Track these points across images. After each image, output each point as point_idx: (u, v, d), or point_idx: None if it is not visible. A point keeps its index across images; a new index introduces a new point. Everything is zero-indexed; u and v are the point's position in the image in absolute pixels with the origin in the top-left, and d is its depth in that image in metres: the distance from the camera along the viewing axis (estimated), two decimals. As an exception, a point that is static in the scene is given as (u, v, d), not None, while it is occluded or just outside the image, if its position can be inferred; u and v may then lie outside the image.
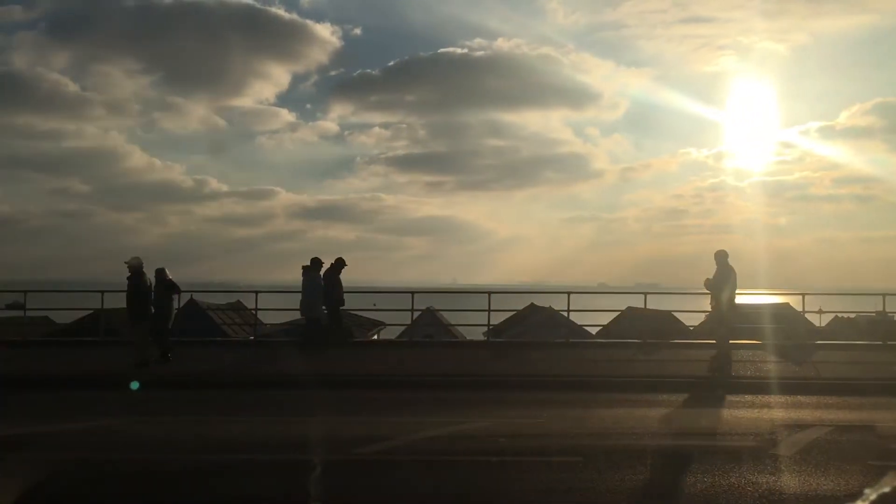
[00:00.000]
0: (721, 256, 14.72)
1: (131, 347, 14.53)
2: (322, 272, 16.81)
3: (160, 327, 14.81)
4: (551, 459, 7.31)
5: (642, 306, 21.51)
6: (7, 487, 6.19)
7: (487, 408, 10.61)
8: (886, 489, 6.19)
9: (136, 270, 14.53)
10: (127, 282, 14.54)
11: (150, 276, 14.74)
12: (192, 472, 7.10)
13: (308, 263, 16.82)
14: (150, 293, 14.62)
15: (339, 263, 17.09)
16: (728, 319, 14.91)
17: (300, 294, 16.77)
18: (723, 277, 14.57)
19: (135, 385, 11.90)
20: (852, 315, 23.98)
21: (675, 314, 23.82)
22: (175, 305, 15.84)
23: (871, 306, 22.36)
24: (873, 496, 6.01)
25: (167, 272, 14.86)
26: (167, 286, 14.83)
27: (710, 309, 15.32)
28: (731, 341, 15.02)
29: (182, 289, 21.67)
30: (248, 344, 19.72)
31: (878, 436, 8.82)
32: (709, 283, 14.71)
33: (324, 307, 16.78)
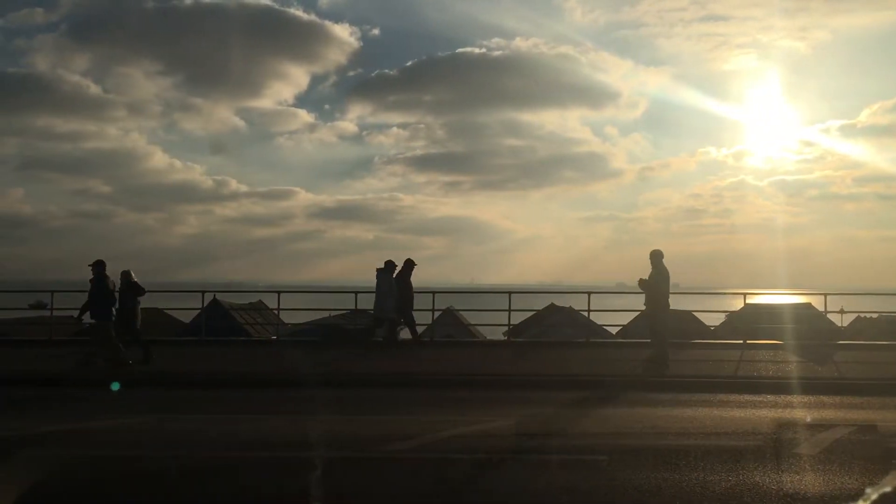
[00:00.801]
0: (656, 257, 14.63)
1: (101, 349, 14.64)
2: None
3: (130, 329, 14.96)
4: (576, 458, 7.37)
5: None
6: (34, 483, 6.38)
7: (511, 407, 10.70)
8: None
9: (98, 272, 14.73)
10: (90, 283, 14.74)
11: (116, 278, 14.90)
12: (222, 469, 7.21)
13: (382, 265, 17.07)
14: (112, 294, 14.79)
15: (410, 265, 17.27)
16: (663, 319, 14.82)
17: (374, 295, 17.11)
18: (658, 278, 14.52)
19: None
20: (875, 315, 23.83)
21: (696, 314, 23.76)
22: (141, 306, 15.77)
23: (894, 306, 22.22)
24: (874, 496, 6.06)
25: (132, 274, 15.06)
26: (132, 288, 14.99)
27: (644, 309, 15.24)
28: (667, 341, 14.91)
29: (205, 289, 22.04)
30: (271, 343, 19.94)
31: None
32: (643, 284, 14.64)
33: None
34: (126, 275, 15.00)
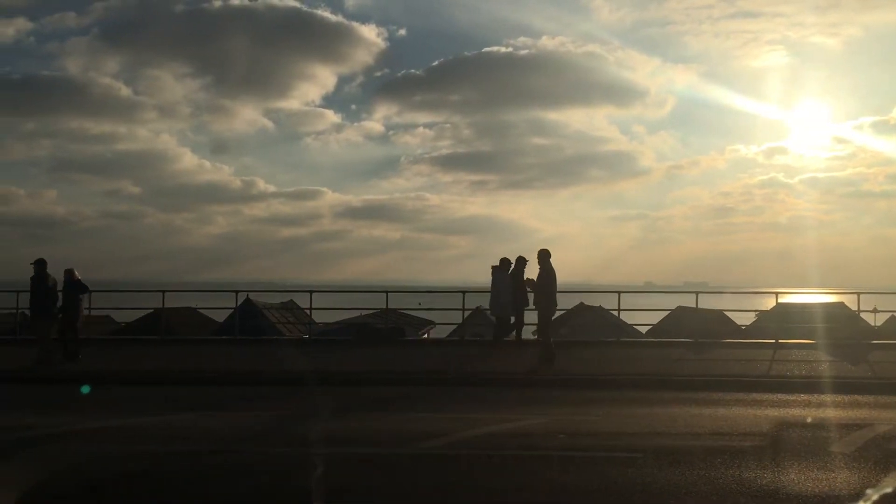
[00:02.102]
0: (543, 256, 14.79)
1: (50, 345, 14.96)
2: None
3: (67, 327, 15.23)
4: (610, 455, 7.45)
5: (692, 305, 21.49)
6: (91, 473, 6.62)
7: (543, 405, 10.82)
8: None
9: (39, 271, 15.02)
10: (30, 281, 15.07)
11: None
12: (266, 463, 7.41)
13: (497, 263, 17.23)
14: (53, 293, 15.10)
15: (522, 262, 17.41)
16: (548, 318, 15.03)
17: (489, 294, 17.29)
18: (545, 278, 14.69)
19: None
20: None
21: (727, 313, 23.68)
22: (85, 305, 16.11)
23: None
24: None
25: (76, 272, 15.32)
26: (75, 286, 15.24)
27: (533, 307, 15.49)
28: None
29: (237, 289, 22.34)
30: (305, 342, 20.20)
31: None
32: (531, 284, 14.76)
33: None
34: (69, 273, 15.26)
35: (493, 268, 17.16)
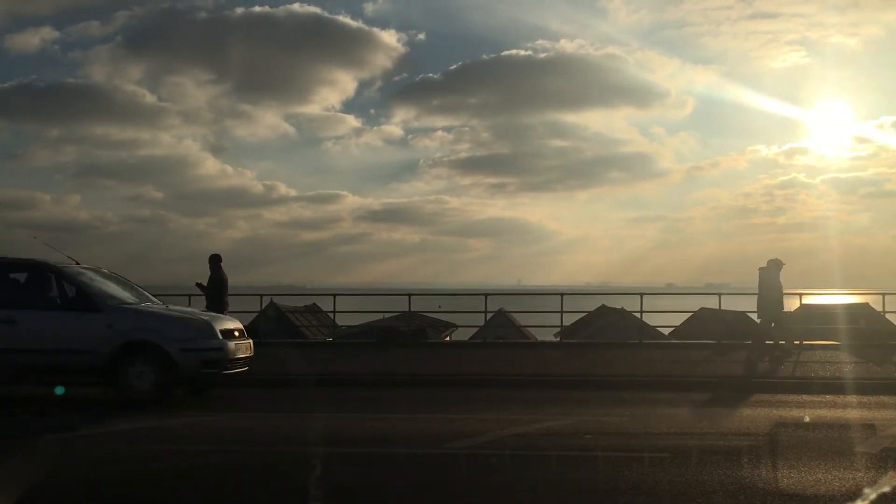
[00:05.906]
0: (213, 261, 15.55)
1: None
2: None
3: None
4: (637, 455, 7.53)
5: (715, 307, 21.48)
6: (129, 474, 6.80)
7: (569, 406, 10.92)
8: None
9: None
10: None
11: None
12: (295, 463, 7.54)
13: (764, 265, 16.97)
14: None
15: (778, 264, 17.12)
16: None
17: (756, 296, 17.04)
18: (215, 282, 15.39)
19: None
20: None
21: (750, 314, 23.60)
22: None
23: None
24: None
25: None
26: None
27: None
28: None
29: (262, 293, 22.58)
30: (329, 345, 20.41)
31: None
32: (202, 288, 15.46)
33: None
34: None
35: (761, 269, 16.74)
